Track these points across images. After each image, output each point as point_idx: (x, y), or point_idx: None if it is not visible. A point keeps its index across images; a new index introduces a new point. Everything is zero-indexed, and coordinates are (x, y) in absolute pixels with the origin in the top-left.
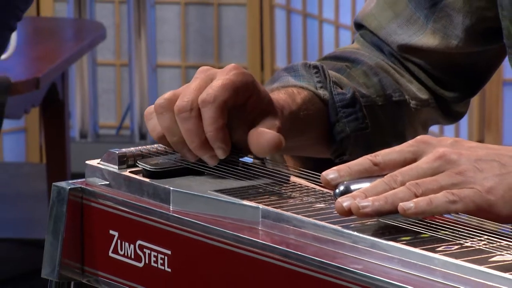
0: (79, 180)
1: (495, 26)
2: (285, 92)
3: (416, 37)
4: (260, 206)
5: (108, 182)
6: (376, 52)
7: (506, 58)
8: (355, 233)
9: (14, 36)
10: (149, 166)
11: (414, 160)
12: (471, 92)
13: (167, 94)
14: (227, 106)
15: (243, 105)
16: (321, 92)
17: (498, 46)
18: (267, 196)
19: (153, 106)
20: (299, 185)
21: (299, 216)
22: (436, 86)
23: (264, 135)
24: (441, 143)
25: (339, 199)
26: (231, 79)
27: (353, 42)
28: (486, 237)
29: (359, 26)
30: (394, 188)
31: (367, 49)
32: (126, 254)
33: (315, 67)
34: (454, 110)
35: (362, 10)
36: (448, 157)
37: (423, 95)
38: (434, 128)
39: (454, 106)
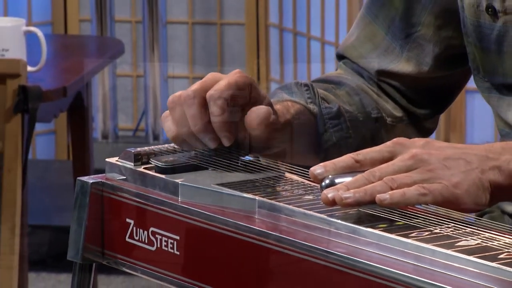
0: (100, 175)
1: (461, 53)
2: (280, 104)
3: (393, 64)
4: (257, 197)
5: (125, 177)
6: (357, 76)
7: (471, 78)
8: (339, 221)
9: (44, 51)
10: (160, 163)
11: (390, 158)
12: (440, 109)
13: (178, 92)
14: (231, 101)
15: (246, 105)
16: (311, 106)
17: (463, 70)
18: (263, 189)
19: (168, 111)
20: (291, 179)
21: (290, 206)
22: (409, 104)
23: (255, 109)
24: (414, 144)
25: (325, 191)
26: (236, 79)
27: (336, 70)
28: (452, 224)
29: (341, 57)
30: (372, 182)
31: (349, 74)
32: (140, 239)
33: (306, 85)
34: (425, 126)
35: (343, 43)
36: (420, 156)
37: (398, 113)
38: None
39: (425, 123)
